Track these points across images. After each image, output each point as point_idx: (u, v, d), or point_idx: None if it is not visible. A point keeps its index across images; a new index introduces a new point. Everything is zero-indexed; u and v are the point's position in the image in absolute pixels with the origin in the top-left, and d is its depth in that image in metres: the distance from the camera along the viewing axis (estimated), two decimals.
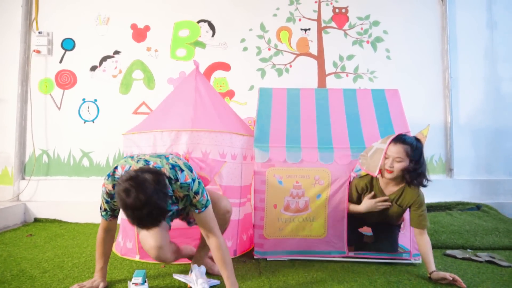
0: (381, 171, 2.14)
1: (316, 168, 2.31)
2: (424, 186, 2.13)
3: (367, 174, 2.24)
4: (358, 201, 2.27)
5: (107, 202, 1.73)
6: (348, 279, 1.99)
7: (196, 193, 1.67)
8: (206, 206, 1.71)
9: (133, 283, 1.74)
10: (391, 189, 2.20)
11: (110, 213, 1.76)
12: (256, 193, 2.36)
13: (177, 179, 1.65)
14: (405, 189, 2.15)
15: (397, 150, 2.06)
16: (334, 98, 2.70)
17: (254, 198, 2.39)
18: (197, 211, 1.70)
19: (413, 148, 2.07)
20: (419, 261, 2.22)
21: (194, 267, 1.85)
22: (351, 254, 2.30)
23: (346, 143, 2.37)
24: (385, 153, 2.09)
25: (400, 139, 2.10)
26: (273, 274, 2.04)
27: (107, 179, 1.69)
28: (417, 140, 2.14)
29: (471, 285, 1.90)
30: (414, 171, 2.07)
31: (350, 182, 2.33)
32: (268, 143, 2.38)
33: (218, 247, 1.69)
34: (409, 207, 2.16)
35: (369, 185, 2.25)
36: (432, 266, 1.98)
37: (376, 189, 2.23)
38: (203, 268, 1.87)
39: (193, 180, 1.68)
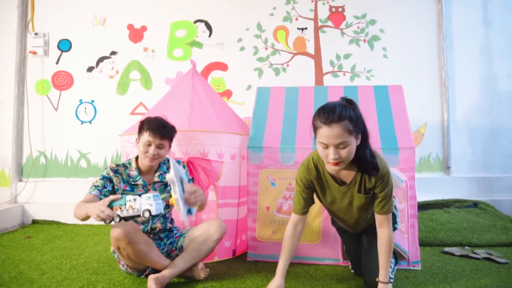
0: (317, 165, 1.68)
1: None
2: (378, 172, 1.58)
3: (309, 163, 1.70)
4: (307, 205, 1.75)
5: (103, 178, 1.92)
6: (348, 277, 2.00)
7: (184, 167, 2.05)
8: (192, 180, 2.08)
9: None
10: (346, 175, 1.66)
11: (99, 188, 1.88)
12: (249, 195, 2.35)
13: (169, 160, 1.97)
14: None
15: (335, 133, 1.45)
16: (333, 96, 2.50)
17: (247, 200, 2.38)
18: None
19: (352, 119, 1.48)
20: (419, 268, 2.13)
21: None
22: (346, 262, 2.19)
23: None
24: (318, 142, 1.51)
25: (331, 117, 1.46)
26: (272, 274, 2.03)
27: (112, 163, 2.04)
28: (350, 101, 1.55)
29: (469, 282, 1.91)
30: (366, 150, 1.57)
31: None
32: (262, 144, 2.34)
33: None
34: (372, 190, 1.64)
35: (315, 176, 1.70)
36: (383, 273, 1.64)
37: (324, 179, 1.70)
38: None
39: (179, 160, 2.06)
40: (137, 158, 2.01)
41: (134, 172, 1.98)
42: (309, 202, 1.76)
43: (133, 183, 1.97)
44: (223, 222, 2.00)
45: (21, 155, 3.73)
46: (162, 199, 1.92)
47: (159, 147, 1.91)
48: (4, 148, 3.70)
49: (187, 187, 1.78)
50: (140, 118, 2.07)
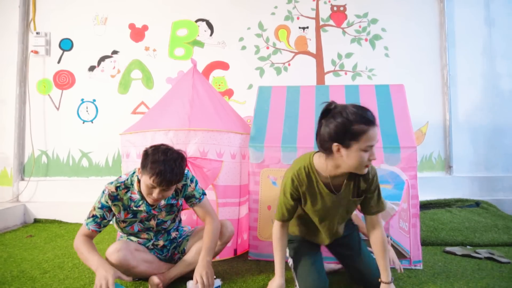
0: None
1: None
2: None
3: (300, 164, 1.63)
4: (291, 215, 1.70)
5: (102, 207, 1.75)
6: (348, 275, 1.99)
7: (192, 181, 1.87)
8: (204, 194, 1.91)
9: None
10: (339, 182, 1.62)
11: (98, 221, 1.75)
12: (250, 194, 2.35)
13: None
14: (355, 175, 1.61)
15: (376, 133, 1.47)
16: (335, 95, 2.59)
17: (248, 199, 2.38)
18: (197, 200, 1.88)
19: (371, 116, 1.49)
20: (420, 268, 2.12)
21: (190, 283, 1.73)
22: None
23: None
24: (365, 146, 1.45)
25: (371, 116, 1.48)
26: (273, 273, 2.04)
27: (110, 184, 1.78)
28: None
29: (470, 282, 1.90)
30: None
31: None
32: (263, 143, 2.34)
33: (213, 227, 1.85)
34: (365, 193, 1.64)
35: (306, 184, 1.62)
36: (385, 274, 1.61)
37: (316, 188, 1.62)
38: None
39: (187, 171, 1.88)
40: (138, 180, 1.79)
41: (136, 196, 1.78)
42: (293, 212, 1.70)
43: (135, 208, 1.80)
44: (231, 224, 1.97)
45: (23, 154, 3.74)
46: (167, 220, 1.90)
47: (164, 190, 1.68)
48: (6, 147, 3.71)
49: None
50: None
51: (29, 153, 3.74)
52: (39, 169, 3.73)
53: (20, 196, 3.65)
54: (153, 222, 1.87)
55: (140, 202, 1.79)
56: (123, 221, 1.84)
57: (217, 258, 2.26)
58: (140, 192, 1.77)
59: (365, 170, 1.52)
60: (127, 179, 1.79)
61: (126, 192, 1.78)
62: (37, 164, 3.73)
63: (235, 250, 2.38)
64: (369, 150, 1.46)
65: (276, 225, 1.71)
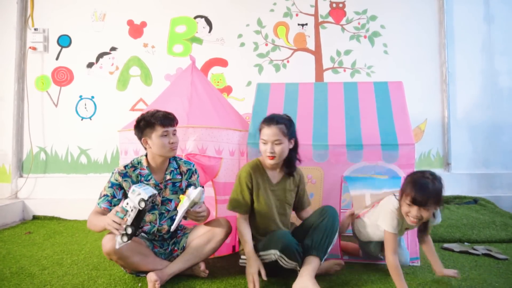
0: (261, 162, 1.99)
1: (309, 167, 2.26)
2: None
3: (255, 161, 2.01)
4: (249, 205, 1.95)
5: (112, 185, 1.86)
6: (347, 273, 2.00)
7: (196, 172, 2.03)
8: (202, 188, 1.97)
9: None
10: (278, 177, 2.01)
11: (108, 199, 1.84)
12: None
13: (180, 158, 2.04)
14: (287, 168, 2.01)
15: (273, 132, 1.87)
16: (333, 92, 2.59)
17: None
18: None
19: (287, 125, 1.91)
20: (418, 264, 2.13)
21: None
22: (345, 258, 2.19)
23: (342, 140, 2.27)
24: (261, 138, 1.92)
25: (273, 120, 1.90)
26: None
27: (119, 166, 1.93)
28: (289, 117, 1.99)
29: (468, 278, 1.91)
30: (294, 151, 1.96)
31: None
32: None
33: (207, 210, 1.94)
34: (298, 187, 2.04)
35: (258, 175, 1.97)
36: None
37: (265, 177, 1.98)
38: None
39: (192, 163, 2.05)
40: (146, 156, 1.95)
41: (145, 171, 1.91)
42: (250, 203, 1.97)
43: (145, 182, 1.90)
44: (228, 222, 2.00)
45: (21, 151, 3.74)
46: (171, 199, 1.95)
47: (174, 133, 1.91)
48: (4, 144, 3.71)
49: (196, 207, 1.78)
50: (138, 117, 1.97)
51: (27, 150, 3.74)
52: (37, 166, 3.73)
53: (19, 192, 3.64)
54: (158, 198, 1.93)
55: (149, 177, 1.91)
56: None
57: (216, 254, 2.26)
58: (148, 167, 1.92)
59: (267, 161, 1.92)
60: (133, 160, 1.96)
61: (134, 170, 1.91)
62: (35, 161, 3.73)
63: (234, 247, 2.38)
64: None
65: (240, 219, 1.97)
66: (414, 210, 1.70)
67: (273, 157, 1.88)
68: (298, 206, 2.09)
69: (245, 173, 1.96)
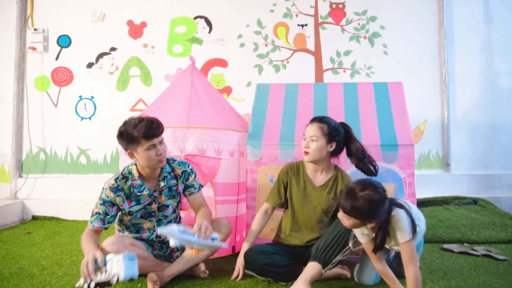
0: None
1: None
2: (374, 174, 1.87)
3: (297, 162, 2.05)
4: (282, 199, 2.00)
5: (103, 203, 1.79)
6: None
7: (192, 172, 1.96)
8: (200, 187, 2.01)
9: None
10: (320, 179, 1.98)
11: (101, 217, 1.78)
12: (248, 192, 2.35)
13: (174, 160, 1.95)
14: (338, 175, 1.97)
15: (312, 130, 1.90)
16: (333, 93, 2.59)
17: (246, 197, 2.38)
18: (196, 190, 1.96)
19: (330, 127, 1.90)
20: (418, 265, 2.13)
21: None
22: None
23: None
24: (303, 134, 1.95)
25: (316, 119, 1.95)
26: None
27: (110, 179, 1.83)
28: (341, 123, 1.98)
29: (468, 279, 1.91)
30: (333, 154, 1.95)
31: None
32: (261, 141, 2.34)
33: (208, 213, 1.91)
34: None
35: (295, 173, 2.01)
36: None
37: (302, 178, 1.99)
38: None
39: (188, 163, 1.98)
40: (135, 165, 1.86)
41: (137, 182, 1.83)
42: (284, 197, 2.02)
43: (138, 193, 1.83)
44: (229, 222, 2.00)
45: (20, 151, 3.73)
46: (168, 205, 1.92)
47: (161, 142, 1.79)
48: (3, 144, 3.70)
49: (192, 229, 1.68)
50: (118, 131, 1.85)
51: (27, 150, 3.73)
52: (37, 166, 3.72)
53: (18, 193, 3.64)
54: (154, 206, 1.89)
55: (142, 188, 1.84)
56: (129, 213, 1.85)
57: (215, 255, 2.26)
58: (140, 177, 1.83)
59: (304, 157, 1.94)
60: (123, 170, 1.86)
61: (126, 182, 1.82)
62: (35, 161, 3.72)
63: (234, 248, 2.38)
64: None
65: (262, 208, 2.04)
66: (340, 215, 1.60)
67: (307, 153, 1.91)
68: None
69: (284, 168, 2.05)
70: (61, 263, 2.17)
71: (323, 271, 1.73)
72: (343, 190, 1.61)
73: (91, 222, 1.78)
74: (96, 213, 1.79)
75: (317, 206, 1.94)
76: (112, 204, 1.80)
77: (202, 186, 2.05)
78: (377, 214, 1.52)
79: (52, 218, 3.46)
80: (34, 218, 3.49)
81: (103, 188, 1.80)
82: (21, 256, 2.31)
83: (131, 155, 1.79)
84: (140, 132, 1.71)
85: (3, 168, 3.71)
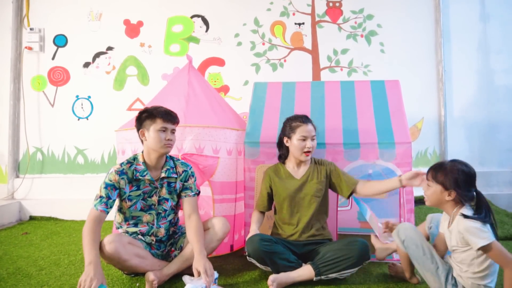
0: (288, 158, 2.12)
1: None
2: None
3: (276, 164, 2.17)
4: (270, 203, 2.12)
5: (106, 186, 1.82)
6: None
7: (193, 175, 2.01)
8: (197, 194, 2.01)
9: None
10: (301, 171, 2.09)
11: (104, 201, 1.80)
12: (246, 190, 2.36)
13: (178, 159, 2.03)
14: (316, 163, 2.11)
15: (311, 128, 2.04)
16: (330, 91, 2.59)
17: (244, 195, 2.38)
18: (192, 193, 1.97)
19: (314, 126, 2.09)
20: None
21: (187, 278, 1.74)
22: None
23: (339, 139, 2.28)
24: (298, 135, 2.02)
25: (305, 117, 2.07)
26: (270, 271, 2.05)
27: (115, 166, 1.90)
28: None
29: None
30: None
31: None
32: (258, 139, 2.34)
33: (199, 225, 1.89)
34: (330, 178, 2.06)
35: (277, 173, 2.11)
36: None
37: (284, 175, 2.09)
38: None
39: (191, 166, 2.03)
40: (142, 153, 1.94)
41: (141, 167, 1.90)
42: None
43: (140, 177, 1.88)
44: (227, 221, 2.00)
45: (17, 151, 3.72)
46: (168, 198, 1.94)
47: (172, 132, 1.91)
48: (0, 145, 3.69)
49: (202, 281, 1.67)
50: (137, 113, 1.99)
51: (23, 150, 3.72)
52: (34, 166, 3.71)
53: (15, 193, 3.63)
54: (155, 198, 1.92)
55: (145, 173, 1.89)
56: (128, 199, 1.87)
57: (214, 254, 2.26)
58: (144, 162, 1.91)
59: (303, 157, 2.02)
60: (129, 157, 1.96)
61: (130, 166, 1.90)
62: (32, 161, 3.71)
63: (232, 246, 2.38)
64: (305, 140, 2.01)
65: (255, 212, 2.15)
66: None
67: (309, 152, 2.01)
68: (347, 187, 2.02)
69: (265, 173, 2.15)
70: (59, 263, 2.17)
71: (314, 279, 1.80)
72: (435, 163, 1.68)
73: (95, 206, 1.80)
74: (100, 197, 1.82)
75: (307, 193, 2.03)
76: (114, 187, 1.84)
77: (199, 193, 2.05)
78: (464, 184, 1.59)
79: (49, 218, 3.45)
80: (32, 218, 3.48)
81: (108, 172, 1.87)
82: (19, 257, 2.30)
83: (142, 134, 1.91)
84: (159, 112, 1.89)
85: (0, 168, 3.70)
